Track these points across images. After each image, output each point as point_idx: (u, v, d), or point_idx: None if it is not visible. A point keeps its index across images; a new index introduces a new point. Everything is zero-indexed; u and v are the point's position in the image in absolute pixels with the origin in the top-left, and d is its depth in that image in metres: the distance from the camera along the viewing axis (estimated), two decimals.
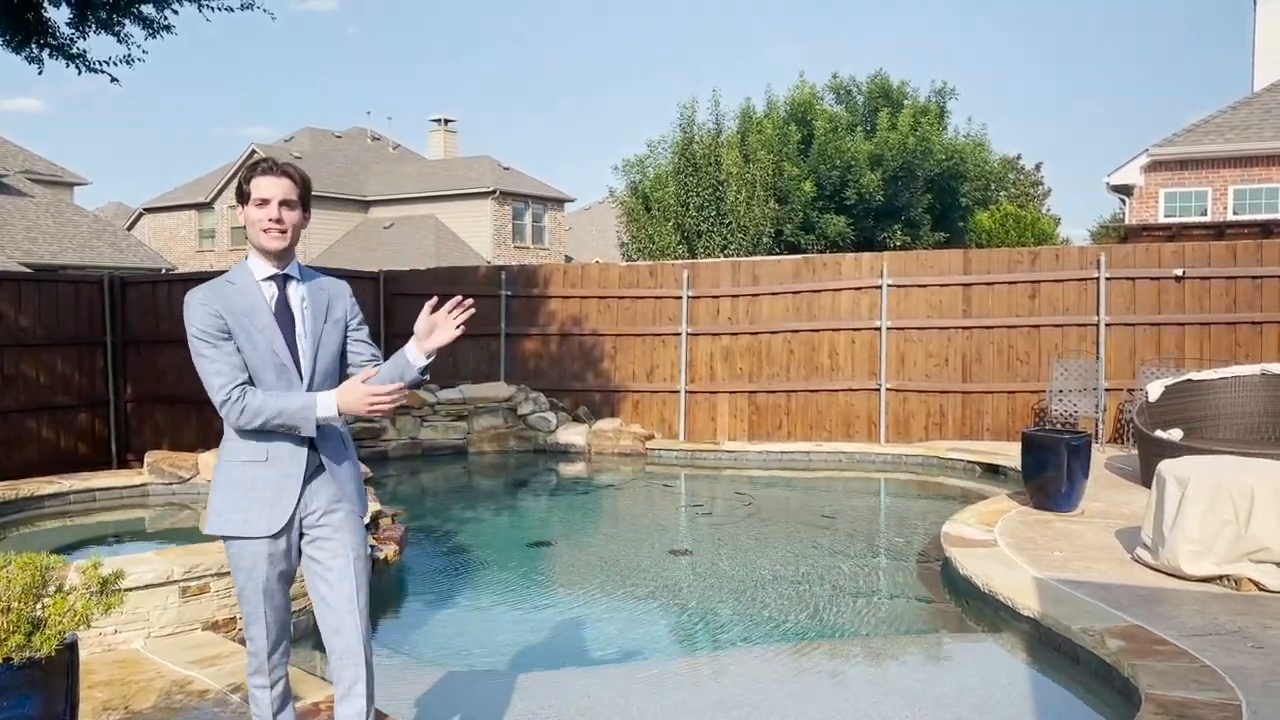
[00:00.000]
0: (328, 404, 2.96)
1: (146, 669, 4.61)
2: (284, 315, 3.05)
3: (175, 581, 5.08)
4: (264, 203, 3.01)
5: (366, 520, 3.20)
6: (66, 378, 11.92)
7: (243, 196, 3.06)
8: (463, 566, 7.38)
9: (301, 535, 3.08)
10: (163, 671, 4.57)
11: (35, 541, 7.32)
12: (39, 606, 3.01)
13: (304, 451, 3.03)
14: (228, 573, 5.30)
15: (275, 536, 3.01)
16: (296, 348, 3.05)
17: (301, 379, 3.04)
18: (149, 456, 8.83)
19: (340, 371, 3.18)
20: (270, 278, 3.07)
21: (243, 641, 5.11)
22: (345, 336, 3.19)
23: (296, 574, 3.14)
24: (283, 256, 3.08)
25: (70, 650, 3.08)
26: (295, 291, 3.10)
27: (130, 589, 4.69)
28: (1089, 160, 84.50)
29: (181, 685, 4.41)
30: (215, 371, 2.95)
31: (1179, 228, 15.48)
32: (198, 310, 2.98)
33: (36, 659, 2.92)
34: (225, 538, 3.04)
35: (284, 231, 3.03)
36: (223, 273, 3.23)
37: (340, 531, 3.09)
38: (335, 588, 3.06)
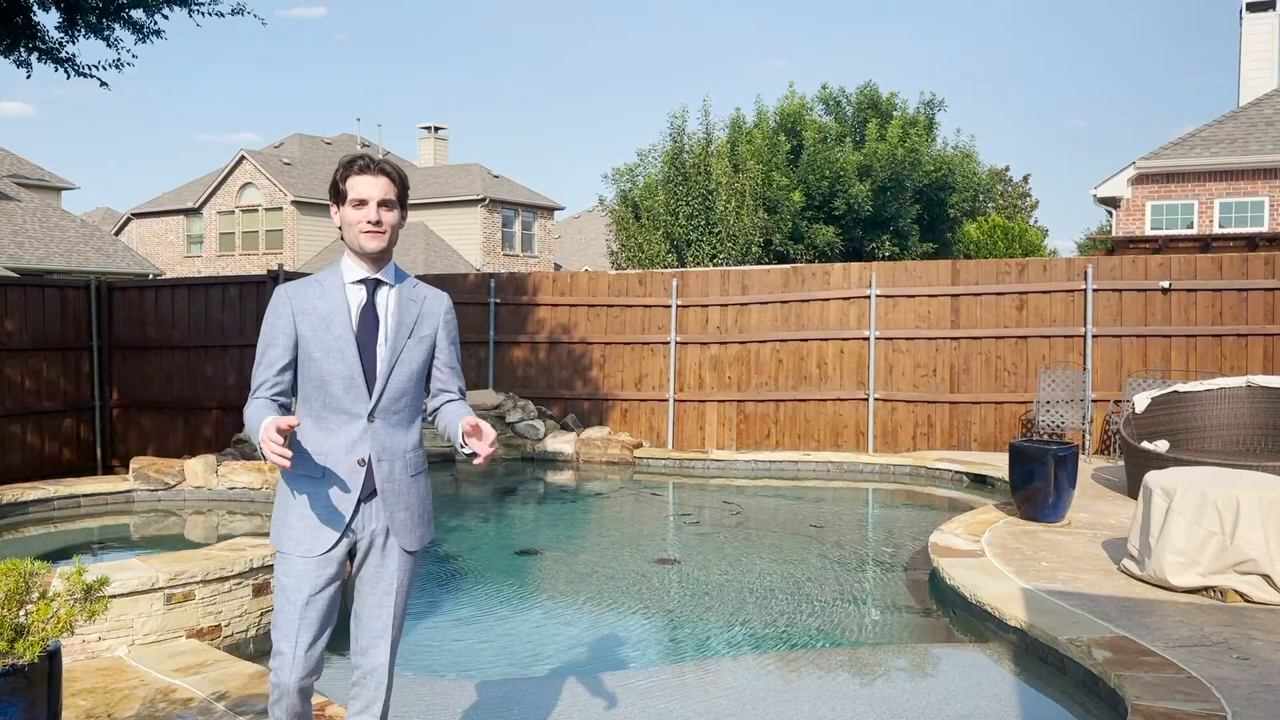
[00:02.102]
0: (260, 429, 2.77)
1: (130, 677, 4.58)
2: (367, 323, 2.92)
3: (160, 589, 5.04)
4: (362, 203, 2.89)
5: (420, 546, 3.05)
6: (52, 383, 11.87)
7: (338, 196, 2.94)
8: (449, 574, 7.35)
9: (352, 556, 2.97)
10: (146, 679, 4.54)
11: (19, 547, 7.27)
12: (22, 613, 2.99)
13: (361, 472, 2.91)
14: (213, 580, 5.28)
15: (323, 558, 2.89)
16: (375, 358, 2.92)
17: (370, 394, 2.91)
18: (134, 462, 8.78)
19: (422, 392, 3.05)
20: (361, 281, 2.95)
21: (230, 649, 5.10)
22: (431, 356, 3.04)
23: (336, 612, 2.97)
24: (379, 259, 2.95)
25: (53, 658, 3.06)
26: (384, 298, 2.96)
27: (114, 596, 4.67)
28: (1076, 172, 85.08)
29: (165, 693, 4.37)
30: (255, 373, 2.94)
31: (1165, 240, 15.58)
32: (275, 309, 2.92)
33: (19, 666, 2.89)
34: (278, 552, 2.95)
35: (383, 233, 2.91)
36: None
37: (389, 559, 2.98)
38: (372, 612, 3.00)
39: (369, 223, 2.88)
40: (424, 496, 3.06)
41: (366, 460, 2.90)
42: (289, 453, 2.65)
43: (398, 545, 2.98)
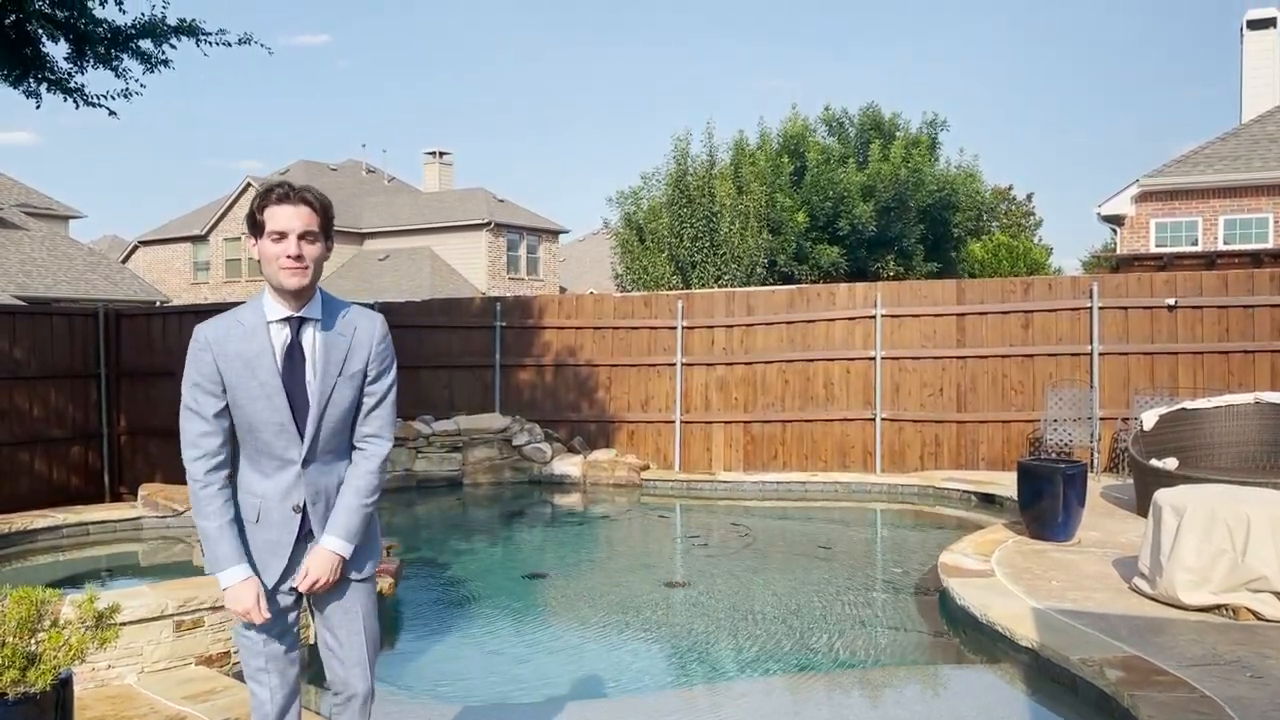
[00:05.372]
0: (230, 579, 2.75)
1: (140, 704, 4.57)
2: (294, 365, 2.77)
3: (169, 616, 5.05)
4: (281, 236, 2.70)
5: (373, 570, 3.00)
6: (60, 410, 11.90)
7: (256, 227, 2.74)
8: (458, 599, 7.34)
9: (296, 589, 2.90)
10: (156, 707, 4.53)
11: (28, 576, 7.28)
12: (34, 641, 3.00)
13: (297, 518, 2.83)
14: (222, 607, 5.27)
15: (268, 597, 2.82)
16: (307, 402, 2.78)
17: (302, 439, 2.79)
18: (142, 490, 8.80)
19: (353, 428, 2.91)
20: (285, 319, 2.77)
21: (238, 676, 5.09)
22: (363, 391, 2.87)
23: (300, 634, 2.97)
24: (301, 295, 2.76)
25: (64, 686, 3.06)
26: (310, 338, 2.79)
27: (124, 623, 4.66)
28: (1080, 190, 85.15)
29: None
30: (189, 441, 2.77)
31: (1170, 257, 15.58)
32: (196, 356, 2.74)
33: (31, 694, 2.90)
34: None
35: (305, 268, 2.71)
36: (236, 305, 3.01)
37: (346, 591, 2.91)
38: (345, 644, 2.93)
39: (289, 258, 2.69)
40: (370, 526, 2.96)
41: (302, 506, 2.83)
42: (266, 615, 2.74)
43: (348, 577, 2.91)
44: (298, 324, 2.79)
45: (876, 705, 5.13)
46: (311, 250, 2.74)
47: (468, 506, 11.50)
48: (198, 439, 2.76)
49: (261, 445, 2.79)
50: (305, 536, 2.86)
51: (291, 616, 2.91)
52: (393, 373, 2.94)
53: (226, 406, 2.77)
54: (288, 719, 2.91)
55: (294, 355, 2.78)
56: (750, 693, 5.29)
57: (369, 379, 2.87)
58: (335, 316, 2.84)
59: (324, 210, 2.79)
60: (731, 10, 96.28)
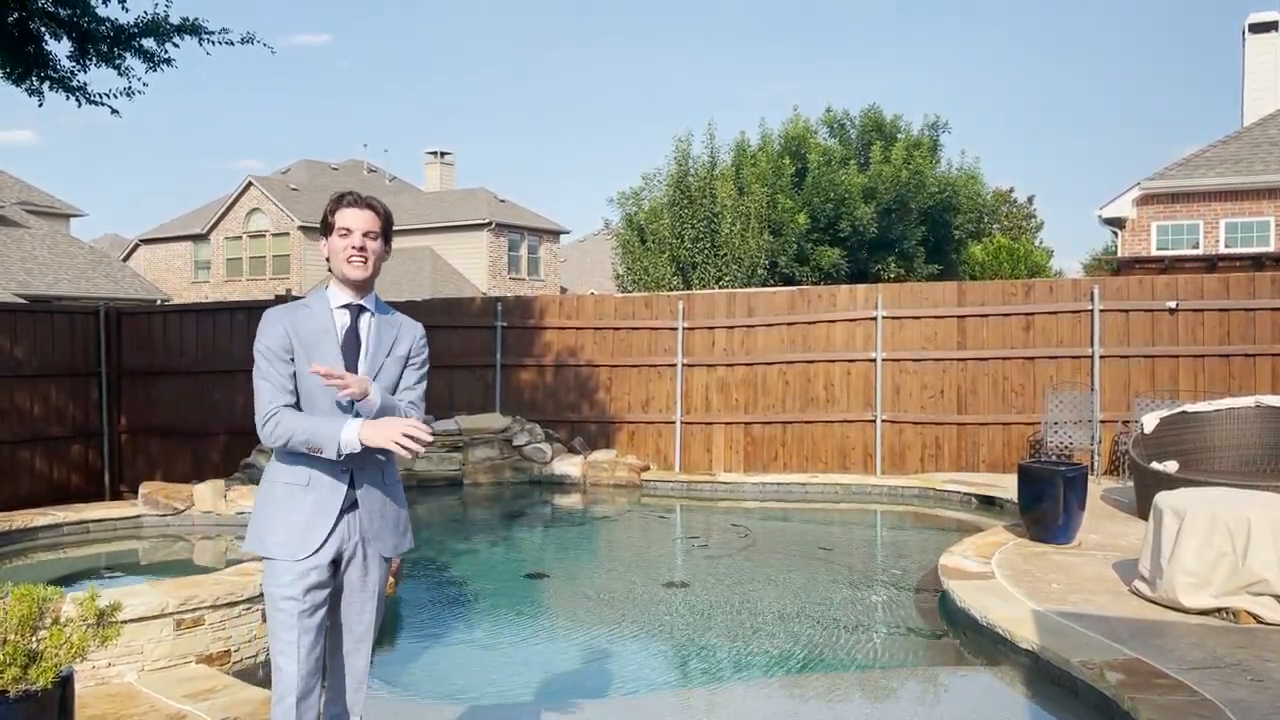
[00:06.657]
0: (351, 431, 2.94)
1: (140, 703, 4.57)
2: (350, 343, 3.11)
3: (170, 614, 5.05)
4: (347, 233, 3.09)
5: (400, 553, 3.25)
6: (60, 409, 11.91)
7: (326, 228, 3.14)
8: (458, 599, 7.34)
9: (335, 564, 3.07)
10: (157, 705, 4.54)
11: (28, 574, 7.28)
12: (35, 639, 3.00)
13: (346, 479, 3.06)
14: (223, 605, 5.28)
15: (307, 562, 2.98)
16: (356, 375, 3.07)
17: (353, 408, 3.06)
18: (143, 488, 8.79)
19: None
20: (345, 306, 3.14)
21: (239, 675, 5.09)
22: (403, 374, 3.21)
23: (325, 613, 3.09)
24: (362, 287, 3.14)
25: (65, 684, 3.06)
26: (366, 322, 3.16)
27: (125, 621, 4.66)
28: (1081, 193, 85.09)
29: (175, 719, 4.37)
30: (265, 390, 3.02)
31: (1171, 260, 15.57)
32: (270, 327, 3.06)
33: (32, 692, 2.90)
34: (262, 558, 3.06)
35: (366, 261, 3.10)
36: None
37: (372, 566, 3.14)
38: (356, 617, 3.14)
39: (353, 249, 3.08)
40: (399, 506, 3.25)
41: (349, 470, 3.07)
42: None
43: (377, 553, 3.14)
44: (357, 310, 3.15)
45: (876, 707, 5.13)
46: (372, 246, 3.12)
47: (468, 506, 11.51)
48: (271, 389, 3.01)
49: (315, 413, 3.04)
50: (350, 507, 3.07)
51: (325, 593, 3.04)
52: (427, 365, 3.31)
53: (295, 374, 3.05)
54: (310, 699, 3.01)
55: (351, 336, 3.13)
56: (748, 694, 5.29)
57: (411, 363, 3.23)
58: (386, 312, 3.25)
59: (385, 216, 3.19)
60: (733, 11, 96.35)
